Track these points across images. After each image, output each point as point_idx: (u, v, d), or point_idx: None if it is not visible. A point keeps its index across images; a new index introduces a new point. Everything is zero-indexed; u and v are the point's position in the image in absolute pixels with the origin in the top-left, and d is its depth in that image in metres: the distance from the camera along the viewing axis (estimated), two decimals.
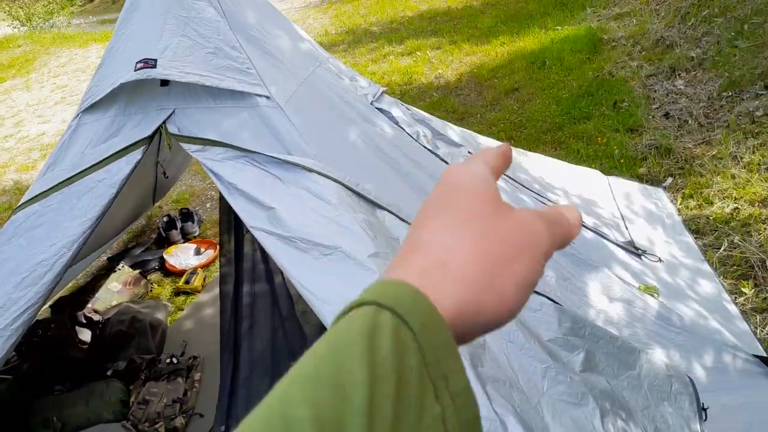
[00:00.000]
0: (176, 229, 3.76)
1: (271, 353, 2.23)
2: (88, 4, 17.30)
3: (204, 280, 3.36)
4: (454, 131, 2.39)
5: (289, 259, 1.51)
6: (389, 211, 1.63)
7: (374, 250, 1.49)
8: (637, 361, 1.71)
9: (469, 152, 2.23)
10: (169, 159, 3.07)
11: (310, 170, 1.57)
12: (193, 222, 3.83)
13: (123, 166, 1.69)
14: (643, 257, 2.35)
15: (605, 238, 2.31)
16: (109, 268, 3.44)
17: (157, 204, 4.11)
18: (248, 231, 2.08)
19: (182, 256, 3.56)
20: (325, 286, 1.47)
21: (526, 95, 4.84)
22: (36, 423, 2.31)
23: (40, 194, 1.79)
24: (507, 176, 2.29)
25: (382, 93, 2.12)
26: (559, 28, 6.14)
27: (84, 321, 2.86)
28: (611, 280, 1.97)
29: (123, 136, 1.72)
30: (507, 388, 1.44)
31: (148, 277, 3.43)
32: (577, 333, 1.68)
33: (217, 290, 3.25)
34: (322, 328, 2.64)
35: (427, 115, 2.35)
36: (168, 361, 2.71)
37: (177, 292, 3.30)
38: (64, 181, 1.75)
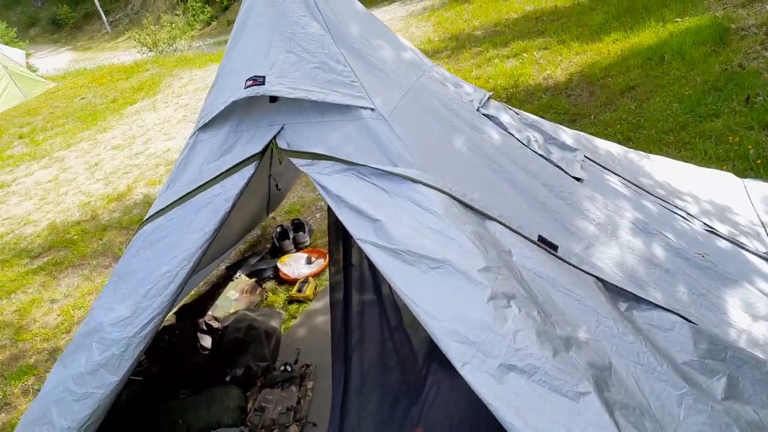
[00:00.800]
0: (289, 239, 3.88)
1: (381, 364, 2.22)
2: (206, 28, 18.59)
3: (315, 288, 3.43)
4: (567, 134, 2.26)
5: (396, 272, 1.48)
6: (499, 222, 1.55)
7: (484, 264, 1.43)
8: None
9: (585, 156, 2.09)
10: (281, 172, 3.17)
11: (416, 181, 1.54)
12: (304, 232, 3.93)
13: (237, 181, 1.75)
14: None
15: (744, 248, 2.07)
16: (227, 277, 3.61)
17: (270, 215, 4.28)
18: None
19: (295, 265, 3.67)
20: (434, 301, 1.43)
21: (643, 93, 4.52)
22: (164, 425, 2.46)
23: (163, 209, 1.90)
24: (628, 181, 2.12)
25: (488, 98, 2.05)
26: (679, 20, 5.69)
27: (205, 328, 3.02)
28: (754, 296, 1.76)
29: (236, 152, 1.78)
30: (638, 416, 1.32)
31: (263, 286, 3.56)
32: (717, 356, 1.50)
33: (327, 299, 3.32)
34: (430, 341, 2.60)
35: (536, 118, 2.24)
36: (282, 368, 2.78)
37: (290, 300, 3.40)
38: (183, 196, 1.85)
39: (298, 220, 4.04)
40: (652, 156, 2.63)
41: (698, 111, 3.89)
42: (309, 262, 3.70)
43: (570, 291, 1.49)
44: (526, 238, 1.56)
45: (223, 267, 3.80)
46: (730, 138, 3.44)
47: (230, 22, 18.21)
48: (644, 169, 2.37)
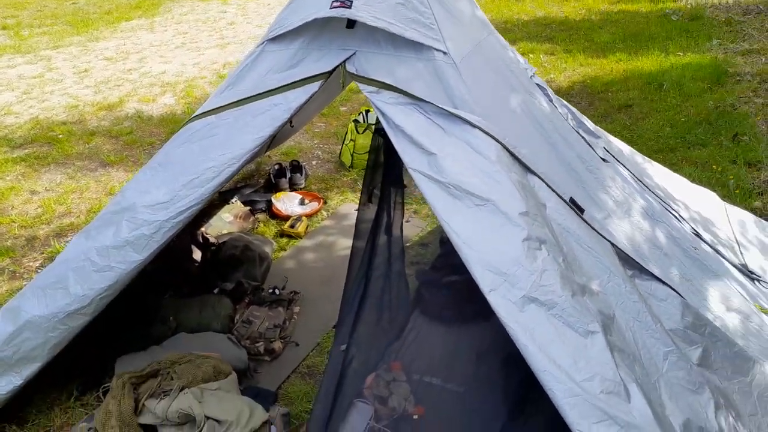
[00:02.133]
0: (285, 177, 3.96)
1: (378, 302, 2.35)
2: None
3: (307, 228, 3.54)
4: (589, 122, 2.45)
5: (441, 203, 1.62)
6: (540, 178, 1.72)
7: (524, 209, 1.59)
8: (751, 370, 1.73)
9: (605, 149, 2.28)
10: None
11: (474, 126, 1.68)
12: (300, 174, 4.02)
13: (299, 95, 1.85)
14: (756, 282, 2.34)
15: (722, 257, 2.31)
16: (221, 201, 3.67)
17: (267, 153, 4.34)
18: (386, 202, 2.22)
19: (288, 203, 3.76)
20: (473, 233, 1.58)
21: (639, 113, 4.79)
22: (155, 319, 2.54)
23: (216, 108, 1.98)
24: (637, 178, 2.33)
25: (533, 73, 2.21)
26: (681, 54, 6.00)
27: (201, 241, 3.09)
28: (730, 291, 1.99)
29: (303, 68, 1.88)
30: (630, 361, 1.51)
31: (255, 215, 3.64)
32: (698, 329, 1.72)
33: (318, 238, 3.45)
34: (416, 290, 2.76)
35: (566, 102, 2.42)
36: (270, 291, 2.90)
37: (281, 234, 3.50)
38: (242, 99, 1.93)
39: (297, 162, 4.12)
40: (654, 162, 2.86)
41: (688, 138, 4.17)
42: (302, 203, 3.80)
43: (590, 248, 1.67)
44: (559, 196, 1.74)
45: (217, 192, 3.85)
46: (714, 167, 3.72)
47: None
48: (647, 171, 2.59)
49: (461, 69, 1.74)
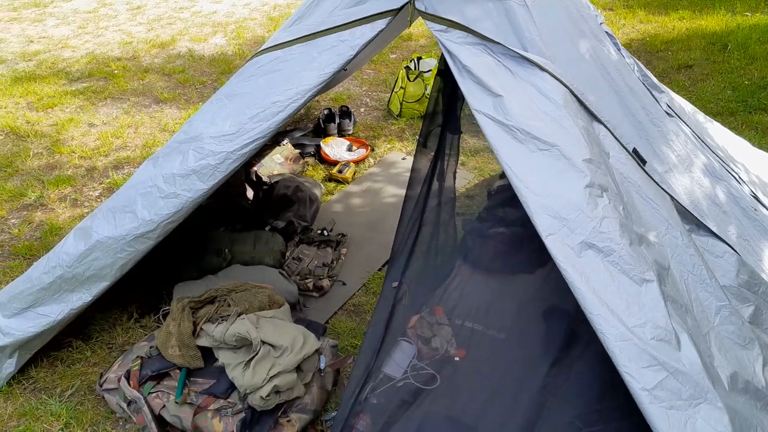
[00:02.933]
0: (334, 123, 3.99)
1: (427, 247, 2.39)
2: None
3: (354, 173, 3.59)
4: (652, 77, 2.39)
5: (505, 146, 1.63)
6: (605, 126, 1.70)
7: (588, 156, 1.59)
8: None
9: (667, 104, 2.24)
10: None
11: (543, 69, 1.66)
12: (349, 120, 4.04)
13: (366, 32, 1.85)
14: None
15: None
16: (273, 142, 3.73)
17: (315, 98, 4.36)
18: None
19: (336, 148, 3.80)
20: (535, 177, 1.59)
21: (699, 74, 4.62)
22: (211, 250, 2.64)
23: (283, 43, 2.00)
24: (698, 136, 2.28)
25: (602, 21, 2.16)
26: (749, 14, 5.71)
27: (254, 179, 3.17)
28: None
29: (371, 4, 1.87)
30: (682, 311, 1.53)
31: (304, 159, 3.70)
32: (752, 288, 1.72)
33: (365, 184, 3.49)
34: (462, 239, 2.80)
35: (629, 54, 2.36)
36: (319, 231, 2.98)
37: (329, 178, 3.56)
38: (308, 35, 1.94)
39: (346, 107, 4.13)
40: (715, 122, 2.78)
41: (750, 102, 4.02)
42: (350, 149, 3.84)
43: (650, 199, 1.67)
44: (623, 146, 1.72)
45: None
46: None
47: None
48: (708, 130, 2.53)
49: (532, 11, 1.72)
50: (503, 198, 2.88)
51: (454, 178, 2.43)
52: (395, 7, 1.82)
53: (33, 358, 2.24)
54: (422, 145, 2.23)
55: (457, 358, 2.26)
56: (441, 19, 1.76)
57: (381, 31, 1.86)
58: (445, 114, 2.19)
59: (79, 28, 6.23)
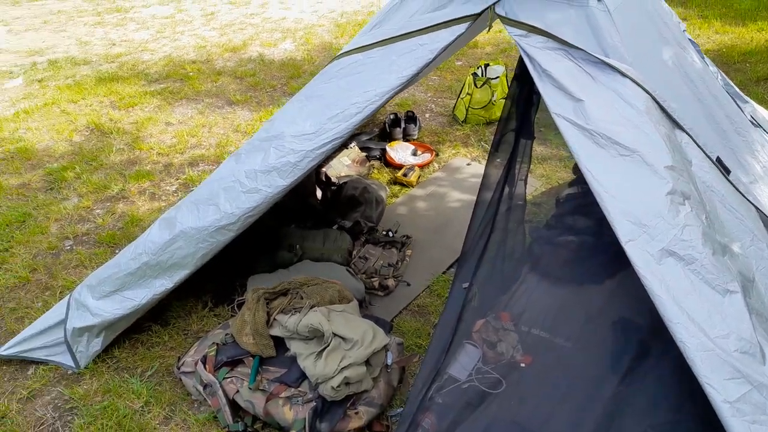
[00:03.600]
0: (400, 127, 4.05)
1: (496, 252, 2.40)
2: None
3: (419, 177, 3.63)
4: (735, 87, 2.33)
5: (585, 150, 1.63)
6: (688, 134, 1.68)
7: (671, 163, 1.57)
8: None
9: (751, 115, 2.17)
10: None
11: (624, 75, 1.66)
12: (414, 125, 4.09)
13: (446, 36, 1.89)
14: None
15: None
16: (341, 145, 3.81)
17: None
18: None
19: (402, 152, 3.86)
20: (616, 182, 1.58)
21: None
22: (282, 245, 2.74)
23: (363, 46, 2.07)
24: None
25: (684, 29, 2.12)
26: None
27: (323, 180, 3.26)
28: None
29: (451, 9, 1.91)
30: (767, 325, 1.49)
31: (370, 162, 3.77)
32: None
33: (430, 189, 3.53)
34: (530, 246, 2.79)
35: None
36: (385, 233, 3.03)
37: (393, 181, 3.61)
38: (388, 39, 2.00)
39: (412, 112, 4.19)
40: None
41: None
42: (415, 153, 3.88)
43: (734, 209, 1.64)
44: (706, 155, 1.70)
45: None
46: None
47: None
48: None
49: (614, 16, 1.71)
50: (572, 206, 2.86)
51: (525, 184, 2.44)
52: (475, 12, 1.85)
53: (116, 339, 2.38)
54: (494, 149, 2.25)
55: (523, 365, 2.26)
56: (521, 24, 1.78)
57: (460, 35, 1.89)
58: (518, 119, 2.21)
59: (157, 32, 6.55)
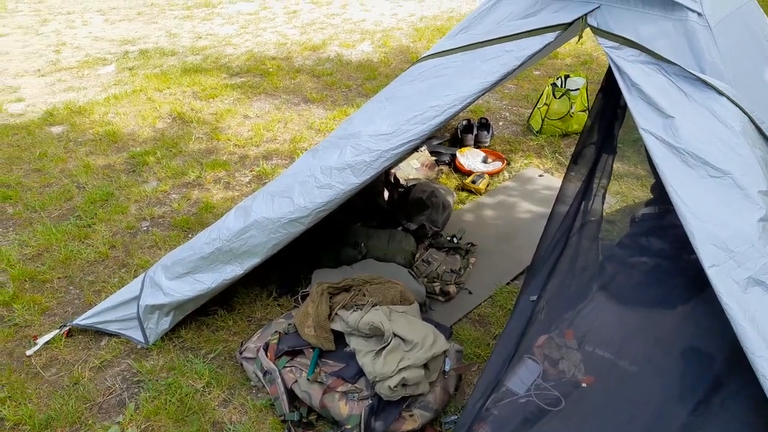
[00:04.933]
0: (471, 134, 4.02)
1: (567, 268, 2.34)
2: None
3: (488, 185, 3.59)
4: None
5: (672, 169, 1.57)
6: None
7: (765, 188, 1.49)
8: None
9: None
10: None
11: (721, 93, 1.58)
12: (487, 132, 4.05)
13: (533, 44, 1.87)
14: None
15: None
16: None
17: None
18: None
19: (472, 159, 3.83)
20: (704, 204, 1.52)
21: None
22: (348, 241, 2.77)
23: (447, 50, 2.07)
24: None
25: None
26: None
27: (392, 181, 3.28)
28: None
29: (541, 17, 1.88)
30: None
31: (440, 166, 3.76)
32: None
33: (499, 197, 3.49)
34: (600, 265, 2.71)
35: None
36: (449, 238, 3.01)
37: (462, 188, 3.59)
38: (474, 43, 1.99)
39: (485, 119, 4.15)
40: None
41: None
42: (485, 161, 3.84)
43: None
44: None
45: None
46: None
47: None
48: None
49: (715, 33, 1.64)
50: (648, 227, 2.75)
51: (603, 200, 2.37)
52: (566, 22, 1.82)
53: (184, 320, 2.47)
54: (573, 162, 2.19)
55: (584, 384, 2.20)
56: (614, 35, 1.73)
57: (549, 44, 1.87)
58: (601, 133, 2.15)
59: (241, 28, 6.77)
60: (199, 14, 7.35)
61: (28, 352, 2.39)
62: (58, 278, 2.83)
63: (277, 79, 5.26)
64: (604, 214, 3.23)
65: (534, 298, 2.05)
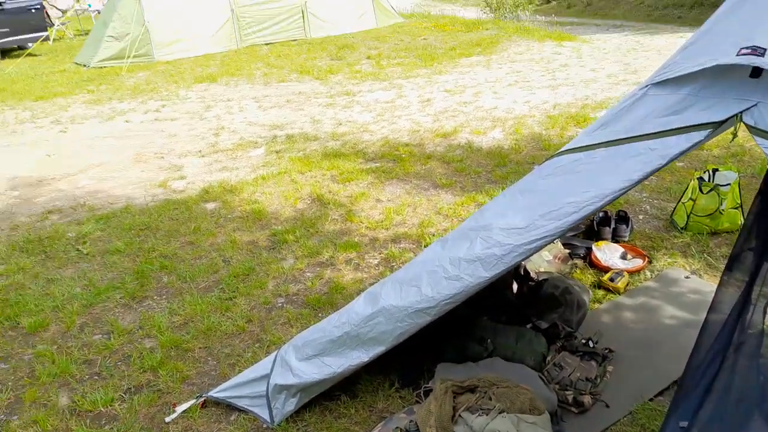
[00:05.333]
0: (609, 227, 3.83)
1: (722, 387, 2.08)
2: (545, 5, 18.62)
3: (627, 284, 3.35)
4: None
5: None
6: None
7: None
8: None
9: None
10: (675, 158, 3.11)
11: None
12: (626, 226, 3.84)
13: (681, 142, 1.76)
14: None
15: None
16: None
17: None
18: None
19: (609, 254, 3.62)
20: None
21: None
22: (474, 336, 2.69)
23: (586, 146, 2.02)
24: None
25: None
26: None
27: (522, 273, 3.18)
28: None
29: (688, 115, 1.78)
30: None
31: (573, 260, 3.59)
32: None
33: (640, 299, 3.24)
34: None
35: None
36: (584, 341, 2.81)
37: (597, 285, 3.38)
38: (614, 140, 1.93)
39: (624, 212, 3.94)
40: None
41: None
42: (624, 257, 3.61)
43: None
44: None
45: None
46: None
47: (570, 6, 17.99)
48: None
49: None
50: None
51: (765, 312, 2.10)
52: (717, 120, 1.71)
53: (308, 403, 2.50)
54: (729, 268, 1.99)
55: None
56: None
57: (697, 143, 1.76)
58: (761, 238, 1.94)
59: (378, 115, 7.17)
60: (341, 102, 7.90)
61: (167, 419, 2.53)
62: (199, 348, 3.02)
63: (409, 164, 5.44)
64: (766, 328, 2.87)
65: (685, 424, 1.82)
